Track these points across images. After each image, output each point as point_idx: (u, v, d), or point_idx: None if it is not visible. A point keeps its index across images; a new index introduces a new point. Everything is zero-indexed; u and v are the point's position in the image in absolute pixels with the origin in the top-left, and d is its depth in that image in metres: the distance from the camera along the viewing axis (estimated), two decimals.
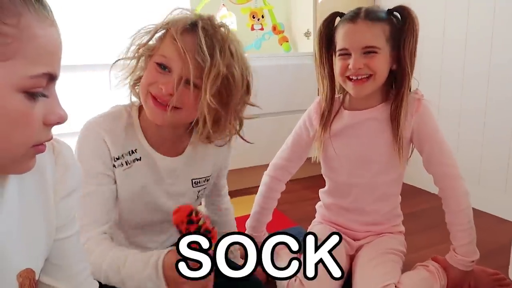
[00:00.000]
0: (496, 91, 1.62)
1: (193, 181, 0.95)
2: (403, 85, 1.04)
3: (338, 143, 1.13)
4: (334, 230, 1.18)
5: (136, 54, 0.85)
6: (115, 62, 0.87)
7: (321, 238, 1.11)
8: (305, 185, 1.95)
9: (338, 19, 1.08)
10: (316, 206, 1.27)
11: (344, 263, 1.10)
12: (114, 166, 0.86)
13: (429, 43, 1.83)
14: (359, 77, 1.01)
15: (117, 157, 0.85)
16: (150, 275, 0.73)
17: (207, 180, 0.98)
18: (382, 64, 1.02)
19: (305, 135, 1.18)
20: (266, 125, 1.94)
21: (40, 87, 0.45)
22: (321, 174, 1.22)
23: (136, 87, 0.89)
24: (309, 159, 1.24)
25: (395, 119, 1.05)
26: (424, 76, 1.82)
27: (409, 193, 1.47)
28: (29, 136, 0.46)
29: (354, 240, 1.16)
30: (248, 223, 1.22)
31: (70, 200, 0.59)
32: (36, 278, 0.56)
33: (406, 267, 1.11)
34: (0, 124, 0.43)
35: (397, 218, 1.20)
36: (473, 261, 1.05)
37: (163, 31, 0.83)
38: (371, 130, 1.09)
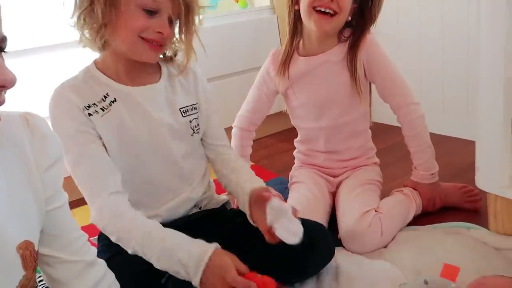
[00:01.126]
0: (450, 11, 1.66)
1: (181, 110, 0.91)
2: (364, 30, 1.09)
3: (297, 89, 1.17)
4: (315, 171, 1.23)
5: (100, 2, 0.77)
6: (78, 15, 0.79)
7: (304, 181, 1.19)
8: (281, 139, 1.99)
9: None
10: (294, 153, 1.32)
11: (327, 200, 1.17)
12: (90, 114, 0.82)
13: None
14: (327, 11, 1.03)
15: (88, 106, 0.82)
16: (188, 265, 0.72)
17: (194, 108, 0.94)
18: (347, 6, 1.05)
19: (265, 89, 1.22)
20: (232, 85, 1.94)
21: None
22: (288, 129, 1.26)
23: (100, 39, 0.81)
24: (281, 112, 1.27)
25: (352, 60, 1.09)
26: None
27: (380, 130, 1.54)
28: None
29: (334, 177, 1.23)
30: None
31: (53, 170, 0.60)
32: (36, 249, 0.58)
33: (384, 195, 1.19)
34: None
35: (371, 151, 1.27)
36: (433, 174, 1.16)
37: None
38: (328, 73, 1.13)
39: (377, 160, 1.28)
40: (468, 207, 1.18)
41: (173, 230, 0.78)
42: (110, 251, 0.86)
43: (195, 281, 0.73)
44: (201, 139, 0.98)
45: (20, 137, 0.56)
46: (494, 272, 0.84)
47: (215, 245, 0.75)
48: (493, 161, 0.94)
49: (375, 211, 1.06)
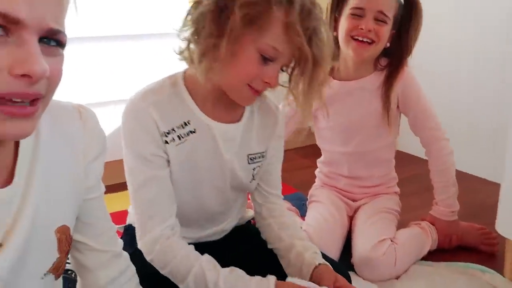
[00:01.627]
0: (484, 50, 1.66)
1: (249, 156, 0.85)
2: (401, 62, 1.11)
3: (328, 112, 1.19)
4: (335, 193, 1.25)
5: (216, 32, 0.68)
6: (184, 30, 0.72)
7: (323, 201, 1.20)
8: (302, 154, 2.00)
9: None
10: (316, 172, 1.34)
11: (345, 223, 1.18)
12: (166, 142, 0.76)
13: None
14: (365, 39, 1.06)
15: (167, 132, 0.76)
16: None
17: (262, 157, 0.87)
18: (386, 35, 1.07)
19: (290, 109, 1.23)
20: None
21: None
22: (315, 144, 1.29)
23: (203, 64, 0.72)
24: (305, 129, 1.29)
25: (387, 91, 1.11)
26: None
27: (404, 159, 1.54)
28: None
29: (353, 201, 1.24)
30: None
31: (97, 162, 0.63)
32: (71, 234, 0.61)
33: (401, 226, 1.19)
34: None
35: (392, 180, 1.28)
36: (453, 211, 1.16)
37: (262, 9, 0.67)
38: (361, 100, 1.15)
39: (397, 189, 1.29)
40: (485, 250, 1.17)
41: (226, 269, 0.76)
42: (134, 246, 0.89)
43: None
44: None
45: (72, 127, 0.59)
46: None
47: (273, 280, 0.73)
48: None
49: (391, 240, 1.07)
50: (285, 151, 1.25)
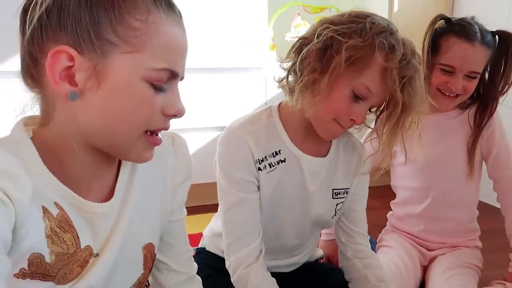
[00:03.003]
0: None
1: (334, 191, 0.87)
2: (493, 105, 1.07)
3: (408, 145, 1.14)
4: (407, 239, 1.18)
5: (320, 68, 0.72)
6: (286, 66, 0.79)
7: (395, 246, 1.14)
8: (374, 195, 1.93)
9: (440, 22, 1.06)
10: (388, 215, 1.28)
11: (418, 273, 1.11)
12: (259, 169, 0.81)
13: None
14: (452, 95, 1.03)
15: (261, 159, 0.81)
16: None
17: (346, 193, 0.89)
18: (474, 87, 1.04)
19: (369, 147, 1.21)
20: None
21: (161, 81, 0.51)
22: (388, 185, 1.24)
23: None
24: (382, 168, 1.25)
25: (475, 140, 1.07)
26: None
27: (487, 211, 1.42)
28: (148, 118, 0.52)
29: (428, 250, 1.17)
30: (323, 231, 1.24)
31: (184, 186, 0.68)
32: (155, 252, 0.65)
33: (482, 284, 1.09)
34: (128, 105, 0.50)
35: (474, 232, 1.19)
36: None
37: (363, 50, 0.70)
38: (444, 131, 1.10)
39: (479, 244, 1.19)
40: None
41: None
42: (204, 272, 0.91)
43: None
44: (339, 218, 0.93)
45: (165, 151, 0.65)
46: None
47: None
48: None
49: None
50: None
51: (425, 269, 1.14)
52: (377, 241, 1.25)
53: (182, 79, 0.55)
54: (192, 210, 1.25)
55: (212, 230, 0.99)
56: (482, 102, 1.08)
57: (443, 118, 1.11)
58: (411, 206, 1.19)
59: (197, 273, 0.83)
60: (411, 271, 1.09)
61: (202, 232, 1.06)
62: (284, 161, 0.82)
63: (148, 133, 0.54)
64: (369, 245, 0.92)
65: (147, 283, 0.97)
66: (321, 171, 0.85)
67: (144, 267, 0.63)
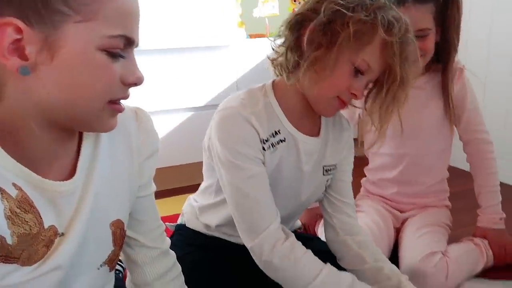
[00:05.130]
0: None
1: (324, 168, 0.87)
2: (450, 58, 1.07)
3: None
4: (381, 203, 1.22)
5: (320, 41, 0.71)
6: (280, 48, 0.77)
7: (368, 211, 1.17)
8: None
9: None
10: (362, 181, 1.31)
11: (391, 234, 1.15)
12: (264, 149, 0.79)
13: (476, 12, 1.80)
14: None
15: (266, 140, 0.79)
16: None
17: (335, 168, 0.89)
18: (432, 43, 1.04)
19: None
20: None
21: (117, 48, 0.50)
22: (361, 156, 1.25)
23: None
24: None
25: (445, 88, 1.09)
26: (471, 45, 1.80)
27: (456, 174, 1.47)
28: (108, 88, 0.51)
29: (400, 212, 1.21)
30: None
31: (150, 161, 0.67)
32: (125, 229, 0.64)
33: (452, 242, 1.13)
34: (86, 76, 0.49)
35: (444, 193, 1.23)
36: (501, 218, 1.13)
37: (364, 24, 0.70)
38: (417, 100, 1.11)
39: (448, 203, 1.23)
40: None
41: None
42: (184, 249, 0.91)
43: None
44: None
45: (129, 127, 0.63)
46: None
47: None
48: None
49: (442, 254, 1.02)
50: None
51: (398, 231, 1.17)
52: None
53: (137, 45, 0.54)
54: (168, 192, 1.24)
55: (198, 205, 0.96)
56: (443, 59, 1.09)
57: (414, 86, 1.12)
58: (385, 172, 1.22)
59: (177, 250, 0.83)
60: (385, 233, 1.12)
61: (178, 214, 1.05)
62: (284, 141, 0.81)
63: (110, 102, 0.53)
64: (356, 217, 0.91)
65: (120, 262, 0.97)
66: (315, 151, 0.85)
67: (114, 244, 0.62)
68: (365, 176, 1.30)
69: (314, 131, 0.86)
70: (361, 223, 1.12)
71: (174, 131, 1.75)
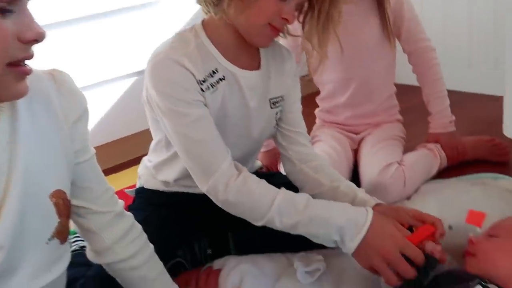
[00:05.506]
0: None
1: (271, 101, 0.85)
2: None
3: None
4: (336, 129, 1.24)
5: None
6: None
7: (325, 138, 1.19)
8: (304, 104, 1.97)
9: None
10: (316, 111, 1.32)
11: (349, 156, 1.18)
12: (202, 90, 0.76)
13: None
14: None
15: (203, 80, 0.76)
16: (345, 228, 0.68)
17: (282, 100, 0.87)
18: None
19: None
20: None
21: (2, 1, 0.45)
22: (313, 93, 1.28)
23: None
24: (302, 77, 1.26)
25: (381, 3, 1.09)
26: None
27: (404, 90, 1.50)
28: (2, 49, 0.46)
29: (356, 134, 1.23)
30: None
31: (80, 124, 0.62)
32: (68, 198, 0.61)
33: (407, 152, 1.17)
34: None
35: (394, 108, 1.26)
36: (451, 121, 1.17)
37: None
38: (355, 20, 1.10)
39: (400, 117, 1.27)
40: (496, 160, 1.16)
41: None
42: (146, 210, 0.89)
43: (350, 248, 0.69)
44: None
45: (47, 91, 0.58)
46: None
47: (371, 211, 0.71)
48: None
49: (398, 163, 1.07)
50: None
51: (356, 152, 1.20)
52: (311, 138, 1.29)
53: None
54: (129, 163, 1.20)
55: (152, 164, 0.94)
56: None
57: (348, 2, 1.10)
58: (336, 98, 1.23)
59: (140, 213, 0.81)
60: (343, 155, 1.15)
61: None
62: (224, 79, 0.79)
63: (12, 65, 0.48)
64: (310, 145, 0.91)
65: (75, 234, 0.94)
66: (258, 84, 0.83)
67: (60, 215, 0.59)
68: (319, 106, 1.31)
69: (254, 65, 0.83)
70: (320, 151, 1.15)
71: (121, 99, 1.67)
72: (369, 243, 0.68)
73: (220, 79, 0.78)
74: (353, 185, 0.85)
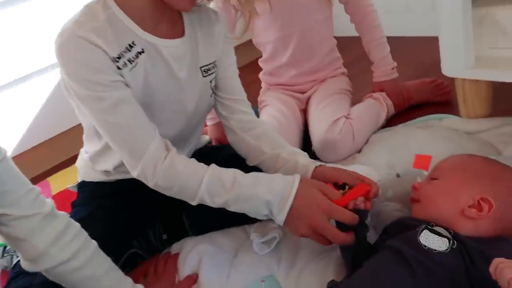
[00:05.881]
0: None
1: (202, 69, 0.79)
2: None
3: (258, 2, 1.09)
4: (282, 91, 1.20)
5: None
6: None
7: (272, 102, 1.15)
8: (248, 71, 1.91)
9: None
10: (260, 75, 1.28)
11: (298, 117, 1.15)
12: (119, 68, 0.69)
13: None
14: None
15: (117, 57, 0.68)
16: (271, 202, 0.67)
17: (215, 66, 0.82)
18: None
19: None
20: None
21: None
22: (256, 60, 1.22)
23: None
24: (244, 44, 1.21)
25: None
26: None
27: (345, 43, 1.48)
28: None
29: (302, 93, 1.20)
30: None
31: None
32: None
33: (355, 104, 1.16)
34: None
35: (337, 61, 1.23)
36: (393, 68, 1.18)
37: None
38: None
39: (344, 70, 1.25)
40: (440, 100, 1.17)
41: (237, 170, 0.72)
42: (91, 204, 0.84)
43: (279, 220, 0.68)
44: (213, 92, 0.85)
45: None
46: None
47: (298, 177, 0.69)
48: (457, 44, 0.91)
49: (345, 117, 1.05)
50: None
51: (305, 112, 1.18)
52: (258, 104, 1.25)
53: None
54: (69, 161, 1.12)
55: (88, 155, 0.88)
56: None
57: None
58: (278, 58, 1.19)
59: (85, 208, 0.75)
60: (291, 118, 1.12)
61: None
62: (143, 52, 0.71)
63: None
64: (253, 112, 0.87)
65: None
66: (185, 53, 0.77)
67: None
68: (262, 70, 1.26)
69: (177, 33, 0.76)
70: (267, 115, 1.12)
71: (52, 95, 1.54)
72: (296, 213, 0.67)
73: (139, 53, 0.71)
74: (295, 150, 0.82)
